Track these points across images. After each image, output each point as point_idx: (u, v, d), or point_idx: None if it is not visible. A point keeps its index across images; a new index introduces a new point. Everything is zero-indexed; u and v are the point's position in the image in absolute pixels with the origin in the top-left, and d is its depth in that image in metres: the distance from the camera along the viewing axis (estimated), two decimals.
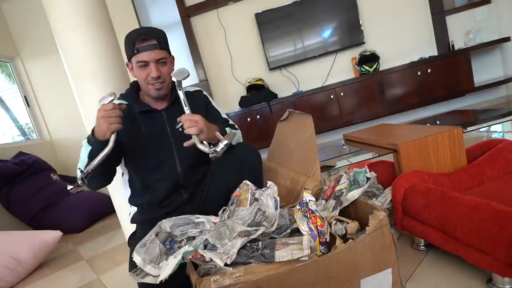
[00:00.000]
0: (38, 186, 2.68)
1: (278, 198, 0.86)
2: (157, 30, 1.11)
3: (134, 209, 1.19)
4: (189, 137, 1.01)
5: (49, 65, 3.35)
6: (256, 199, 0.90)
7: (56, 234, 1.96)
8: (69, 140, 3.46)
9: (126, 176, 1.20)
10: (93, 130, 0.98)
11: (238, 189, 0.98)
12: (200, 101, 1.25)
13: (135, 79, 1.18)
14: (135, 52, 1.07)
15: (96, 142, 0.96)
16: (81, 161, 1.00)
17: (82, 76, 1.65)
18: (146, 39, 1.06)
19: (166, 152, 1.14)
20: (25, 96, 3.46)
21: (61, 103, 3.38)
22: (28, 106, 3.48)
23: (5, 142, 3.22)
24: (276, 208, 0.85)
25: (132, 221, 1.18)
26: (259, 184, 1.10)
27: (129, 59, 1.12)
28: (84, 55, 1.63)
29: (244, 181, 1.00)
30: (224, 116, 1.27)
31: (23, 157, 2.79)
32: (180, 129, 1.01)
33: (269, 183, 0.93)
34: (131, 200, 1.20)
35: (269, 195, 0.88)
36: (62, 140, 3.51)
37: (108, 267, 1.66)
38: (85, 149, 0.99)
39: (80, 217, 2.62)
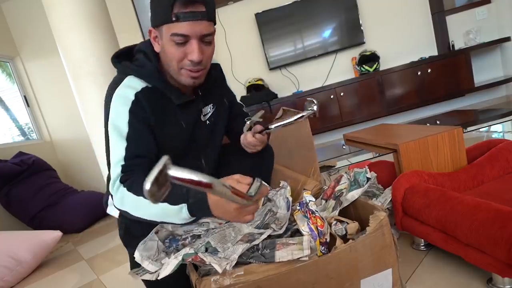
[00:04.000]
0: (38, 186, 2.68)
1: (290, 199, 0.85)
2: None
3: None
4: (219, 129, 0.98)
5: (49, 65, 3.35)
6: (269, 200, 0.90)
7: (56, 234, 1.96)
8: (69, 140, 3.46)
9: None
10: (207, 205, 0.70)
11: None
12: (221, 80, 1.08)
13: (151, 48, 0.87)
14: (173, 19, 0.76)
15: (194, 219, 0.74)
16: (152, 217, 0.76)
17: (82, 76, 1.65)
18: (192, 3, 0.76)
19: (195, 150, 0.98)
20: (25, 96, 3.46)
21: (61, 103, 3.38)
22: (28, 106, 3.48)
23: (5, 142, 3.21)
24: (288, 209, 0.83)
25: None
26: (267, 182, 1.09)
27: (157, 25, 0.81)
28: (84, 55, 1.64)
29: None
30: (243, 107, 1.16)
31: (23, 157, 2.79)
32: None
33: (282, 183, 0.92)
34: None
35: (282, 195, 0.87)
36: (62, 140, 3.51)
37: (108, 267, 1.66)
38: (169, 215, 0.74)
39: (80, 217, 2.62)
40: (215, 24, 0.85)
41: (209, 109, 1.00)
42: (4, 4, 3.32)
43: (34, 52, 3.40)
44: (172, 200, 0.72)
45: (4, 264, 1.69)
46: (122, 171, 0.80)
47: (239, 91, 3.54)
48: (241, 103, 1.15)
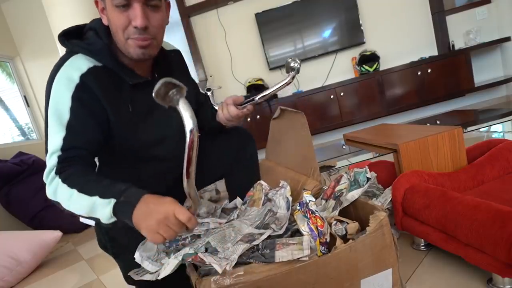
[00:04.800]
0: (38, 186, 2.68)
1: (290, 199, 0.85)
2: None
3: None
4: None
5: (49, 65, 3.26)
6: (269, 200, 0.89)
7: (56, 234, 1.96)
8: None
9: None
10: (132, 209, 0.66)
11: (252, 189, 0.97)
12: (183, 65, 1.02)
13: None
14: None
15: (121, 222, 0.69)
16: (78, 208, 0.71)
17: None
18: None
19: (167, 134, 0.93)
20: (25, 96, 3.46)
21: None
22: (28, 106, 3.48)
23: (5, 142, 3.21)
24: (288, 209, 0.83)
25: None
26: (257, 176, 1.08)
27: None
28: None
29: (258, 181, 0.97)
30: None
31: (23, 157, 2.79)
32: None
33: (282, 182, 0.92)
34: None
35: (282, 195, 0.87)
36: None
37: (108, 267, 1.66)
38: (96, 209, 0.69)
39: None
40: None
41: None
42: (4, 4, 3.32)
43: (34, 52, 3.40)
44: (106, 193, 0.68)
45: (4, 264, 1.69)
46: (58, 162, 0.74)
47: (239, 91, 3.55)
48: (205, 92, 1.16)
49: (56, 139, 0.75)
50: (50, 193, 0.74)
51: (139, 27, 0.74)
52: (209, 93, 1.01)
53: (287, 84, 0.94)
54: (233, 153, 1.05)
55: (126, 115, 0.82)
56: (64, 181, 0.72)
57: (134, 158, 0.89)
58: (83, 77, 0.76)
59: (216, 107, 0.99)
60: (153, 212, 0.63)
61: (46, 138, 0.79)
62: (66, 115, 0.75)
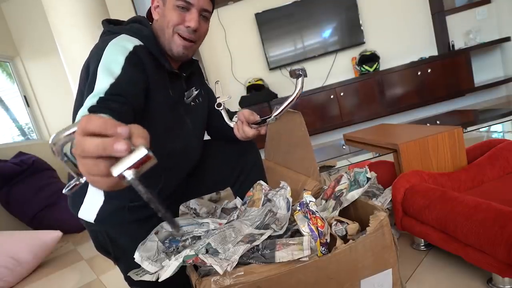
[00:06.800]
0: (38, 186, 2.68)
1: (290, 200, 0.85)
2: None
3: (99, 201, 0.87)
4: (202, 113, 0.96)
5: (49, 65, 3.35)
6: (269, 200, 0.89)
7: (56, 234, 1.96)
8: None
9: None
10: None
11: (251, 189, 0.97)
12: (201, 73, 1.08)
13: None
14: None
15: None
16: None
17: None
18: None
19: (184, 127, 0.95)
20: (25, 96, 3.46)
21: (61, 103, 3.38)
22: (28, 106, 3.48)
23: (5, 142, 3.21)
24: (288, 210, 0.83)
25: (101, 220, 0.83)
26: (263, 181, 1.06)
27: None
28: (84, 55, 1.63)
29: (258, 182, 0.97)
30: None
31: (23, 157, 2.79)
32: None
33: (282, 183, 0.91)
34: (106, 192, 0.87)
35: (282, 196, 0.87)
36: None
37: (108, 267, 1.66)
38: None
39: None
40: (213, 8, 0.91)
41: (193, 92, 0.99)
42: (4, 4, 3.32)
43: (34, 52, 3.40)
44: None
45: (4, 264, 1.69)
46: (97, 102, 0.65)
47: (239, 91, 3.54)
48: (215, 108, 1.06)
49: (103, 83, 0.70)
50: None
51: (192, 27, 0.84)
52: (221, 110, 0.94)
53: (299, 92, 0.88)
54: (233, 163, 1.05)
55: (164, 96, 0.86)
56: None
57: (157, 148, 0.87)
58: (136, 47, 0.80)
59: (231, 125, 0.95)
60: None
61: (76, 106, 0.79)
62: (117, 71, 0.74)
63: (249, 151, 1.08)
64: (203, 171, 1.07)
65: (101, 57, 0.76)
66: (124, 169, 0.36)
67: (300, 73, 0.85)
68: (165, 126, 0.87)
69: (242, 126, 0.93)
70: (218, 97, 0.95)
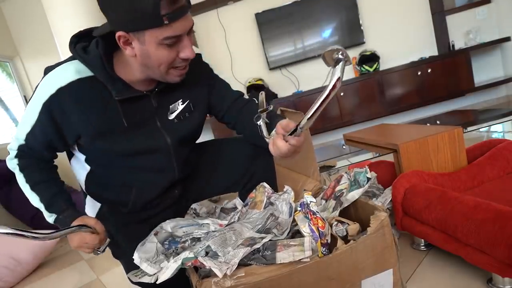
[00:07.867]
0: None
1: (293, 205, 0.84)
2: None
3: (96, 206, 0.99)
4: (186, 130, 0.89)
5: (49, 65, 3.35)
6: (271, 203, 0.88)
7: None
8: None
9: (84, 167, 0.97)
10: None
11: (254, 190, 0.95)
12: (198, 69, 0.94)
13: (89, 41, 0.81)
14: (165, 22, 0.67)
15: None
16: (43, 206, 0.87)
17: None
18: (177, 0, 0.68)
19: (158, 147, 0.90)
20: (25, 96, 3.46)
21: None
22: None
23: (5, 142, 3.21)
24: (291, 215, 0.82)
25: (101, 220, 0.88)
26: (274, 188, 0.99)
27: (137, 30, 0.69)
28: None
29: (261, 183, 0.94)
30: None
31: None
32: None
33: (286, 187, 0.90)
34: (97, 197, 0.99)
35: (285, 200, 0.86)
36: None
37: (108, 267, 1.66)
38: (42, 212, 0.87)
39: None
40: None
41: (177, 106, 0.91)
42: (4, 4, 3.32)
43: (34, 52, 3.40)
44: (51, 206, 0.86)
45: (5, 264, 1.69)
46: (18, 148, 0.87)
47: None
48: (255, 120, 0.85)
49: (23, 131, 0.84)
50: (9, 165, 0.90)
51: (191, 58, 0.76)
52: (259, 123, 0.80)
53: (337, 84, 0.62)
54: (247, 165, 1.01)
55: (113, 124, 0.83)
56: (21, 170, 0.87)
57: (124, 166, 0.91)
58: (60, 90, 0.78)
59: (268, 141, 0.79)
60: (73, 237, 0.82)
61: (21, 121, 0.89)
62: (33, 120, 0.81)
63: (262, 154, 0.97)
64: (216, 173, 1.05)
65: (35, 92, 0.82)
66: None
67: (340, 57, 0.59)
68: (127, 147, 0.86)
69: (276, 140, 0.75)
70: (259, 110, 0.81)
